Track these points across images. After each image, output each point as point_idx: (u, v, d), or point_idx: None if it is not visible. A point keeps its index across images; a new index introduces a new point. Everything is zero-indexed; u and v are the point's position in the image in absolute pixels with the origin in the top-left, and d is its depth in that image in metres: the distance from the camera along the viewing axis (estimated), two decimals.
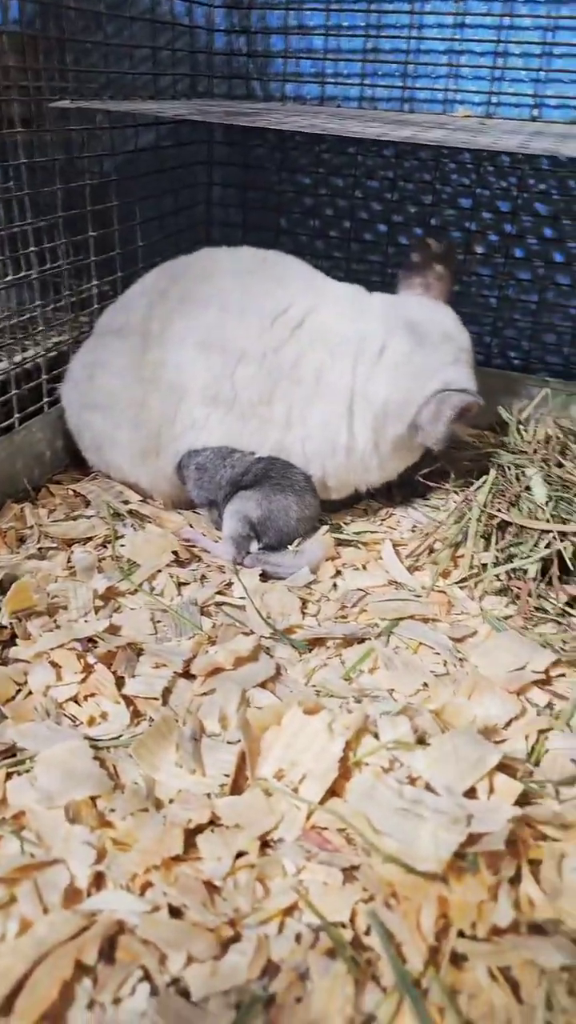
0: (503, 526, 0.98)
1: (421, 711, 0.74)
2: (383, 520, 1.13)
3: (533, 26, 1.25)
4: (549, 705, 0.80)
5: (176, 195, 1.44)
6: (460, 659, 0.85)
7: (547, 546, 0.93)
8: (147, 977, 0.55)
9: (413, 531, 1.10)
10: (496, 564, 0.96)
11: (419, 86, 1.35)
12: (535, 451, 1.07)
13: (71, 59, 1.13)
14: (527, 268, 1.41)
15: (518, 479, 1.02)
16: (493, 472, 1.03)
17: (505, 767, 0.68)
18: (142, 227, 1.31)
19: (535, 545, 0.94)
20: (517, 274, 1.42)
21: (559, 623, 0.91)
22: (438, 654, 0.86)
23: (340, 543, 1.05)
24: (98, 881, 0.61)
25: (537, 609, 0.92)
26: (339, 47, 1.38)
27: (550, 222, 1.36)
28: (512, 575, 0.95)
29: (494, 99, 1.31)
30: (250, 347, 1.02)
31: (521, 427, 1.15)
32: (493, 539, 0.98)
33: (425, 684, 0.81)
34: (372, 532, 1.08)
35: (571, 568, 0.94)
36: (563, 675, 0.84)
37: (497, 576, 0.95)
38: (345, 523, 1.11)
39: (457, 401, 0.99)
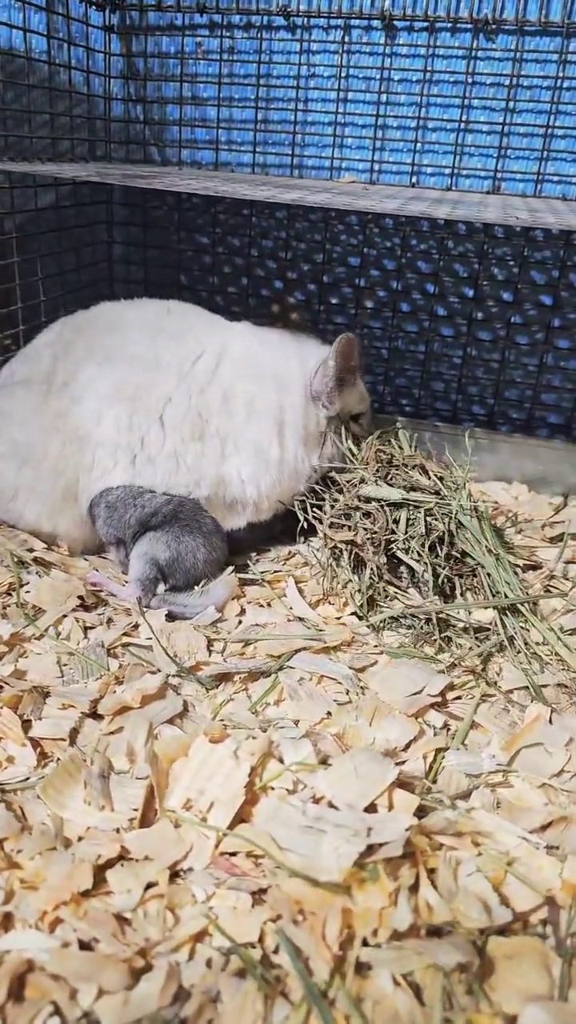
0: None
1: (323, 735, 0.77)
2: (286, 560, 1.17)
3: (408, 102, 1.37)
4: (445, 726, 0.84)
5: (78, 253, 1.48)
6: (362, 687, 0.89)
7: (381, 545, 1.03)
8: (57, 1012, 0.55)
9: (311, 567, 1.14)
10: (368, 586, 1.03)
11: (307, 154, 1.45)
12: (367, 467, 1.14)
13: None
14: (414, 321, 1.51)
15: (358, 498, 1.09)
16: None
17: (404, 784, 0.72)
18: (45, 283, 1.34)
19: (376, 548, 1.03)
20: (405, 327, 1.52)
21: (449, 638, 0.97)
22: (340, 684, 0.89)
23: (245, 583, 1.08)
24: (6, 922, 0.60)
25: (427, 621, 0.98)
26: (231, 117, 1.46)
27: (432, 279, 1.47)
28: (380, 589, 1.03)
29: (376, 167, 1.42)
30: (174, 392, 1.08)
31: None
32: (343, 560, 1.06)
33: (329, 713, 0.84)
34: (276, 571, 1.12)
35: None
36: (458, 697, 0.89)
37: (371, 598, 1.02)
38: (252, 562, 1.15)
39: (335, 348, 1.12)
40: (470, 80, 1.33)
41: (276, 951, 0.59)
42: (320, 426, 1.16)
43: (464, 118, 1.36)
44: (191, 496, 1.09)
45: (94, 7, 1.42)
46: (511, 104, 1.33)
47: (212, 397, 1.09)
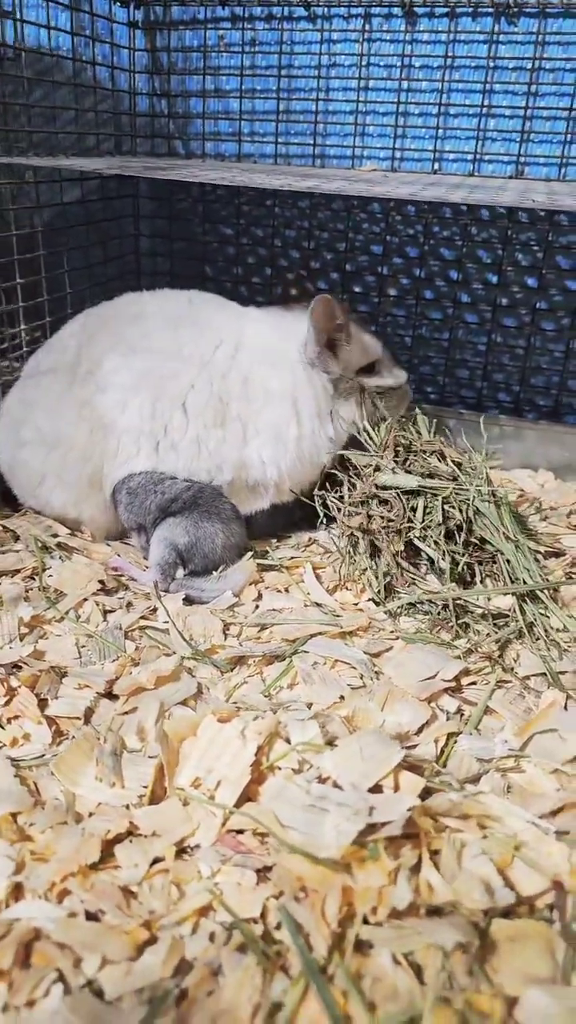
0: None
1: (332, 717, 0.77)
2: (306, 546, 1.17)
3: (429, 88, 1.36)
4: (459, 711, 0.84)
5: (105, 246, 1.51)
6: (376, 672, 0.89)
7: (399, 532, 1.03)
8: (61, 979, 0.56)
9: (328, 554, 1.14)
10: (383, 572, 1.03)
11: (329, 143, 1.45)
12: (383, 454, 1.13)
13: (0, 121, 1.19)
14: (438, 308, 1.50)
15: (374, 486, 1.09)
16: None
17: (413, 767, 0.72)
18: (72, 275, 1.37)
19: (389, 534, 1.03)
20: (429, 314, 1.51)
21: (467, 624, 0.97)
22: (355, 668, 0.89)
23: (264, 568, 1.09)
24: (16, 892, 0.62)
25: (443, 609, 0.98)
26: (254, 108, 1.47)
27: (455, 266, 1.46)
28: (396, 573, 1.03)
29: (398, 155, 1.41)
30: (196, 379, 1.10)
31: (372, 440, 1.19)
32: (360, 547, 1.06)
33: (342, 696, 0.84)
34: (294, 557, 1.13)
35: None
36: (473, 683, 0.89)
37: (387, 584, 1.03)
38: (272, 548, 1.15)
39: (310, 314, 1.10)
40: (492, 64, 1.32)
41: (278, 927, 0.59)
42: (328, 391, 1.15)
43: (486, 103, 1.34)
44: (213, 482, 1.11)
45: (118, 3, 1.44)
46: (533, 88, 1.31)
47: (232, 383, 1.11)
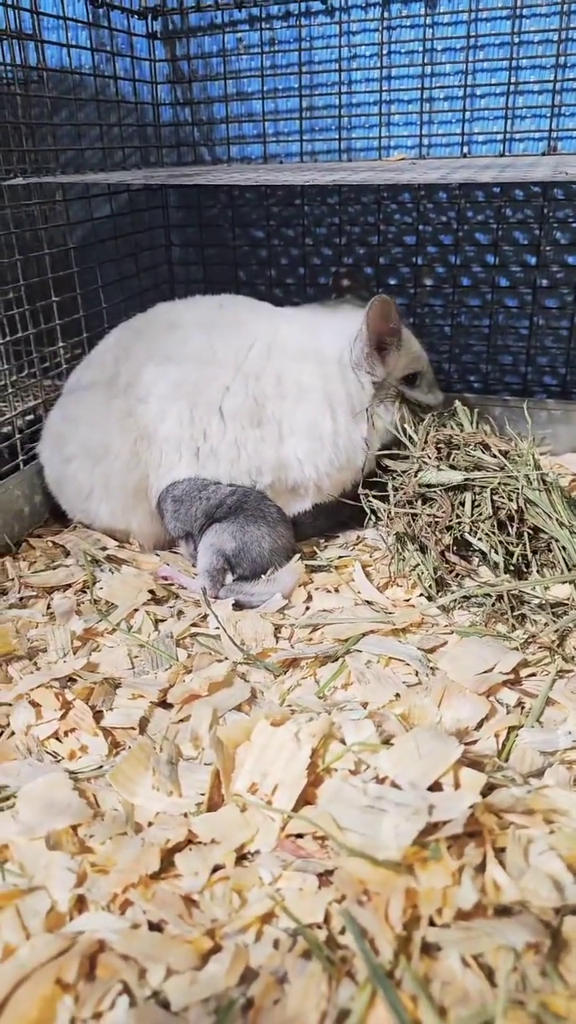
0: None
1: (387, 715, 0.76)
2: (354, 545, 1.16)
3: (453, 71, 1.34)
4: (519, 704, 0.82)
5: (137, 259, 1.52)
6: (432, 668, 0.87)
7: (448, 528, 1.01)
8: (127, 991, 0.56)
9: (377, 551, 1.13)
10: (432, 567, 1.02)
11: (355, 136, 1.43)
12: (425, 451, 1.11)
13: (29, 142, 1.21)
14: (476, 295, 1.47)
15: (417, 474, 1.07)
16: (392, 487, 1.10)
17: (474, 763, 0.70)
18: (106, 290, 1.38)
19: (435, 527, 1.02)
20: (467, 301, 1.48)
21: (524, 616, 0.94)
22: (409, 665, 0.87)
23: (313, 569, 1.08)
24: (79, 904, 0.62)
25: (498, 602, 0.95)
26: (277, 108, 1.46)
27: (491, 250, 1.43)
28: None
29: (425, 141, 1.39)
30: (232, 382, 1.10)
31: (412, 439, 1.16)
32: (408, 542, 1.05)
33: (397, 694, 0.83)
34: (342, 556, 1.11)
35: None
36: (532, 674, 0.86)
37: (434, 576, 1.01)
38: (320, 549, 1.14)
39: (366, 314, 1.08)
40: (517, 40, 1.29)
41: (342, 932, 0.58)
42: (367, 391, 1.13)
43: (513, 80, 1.31)
44: (255, 486, 1.10)
45: (136, 16, 1.45)
46: (562, 59, 1.27)
47: (267, 383, 1.11)
